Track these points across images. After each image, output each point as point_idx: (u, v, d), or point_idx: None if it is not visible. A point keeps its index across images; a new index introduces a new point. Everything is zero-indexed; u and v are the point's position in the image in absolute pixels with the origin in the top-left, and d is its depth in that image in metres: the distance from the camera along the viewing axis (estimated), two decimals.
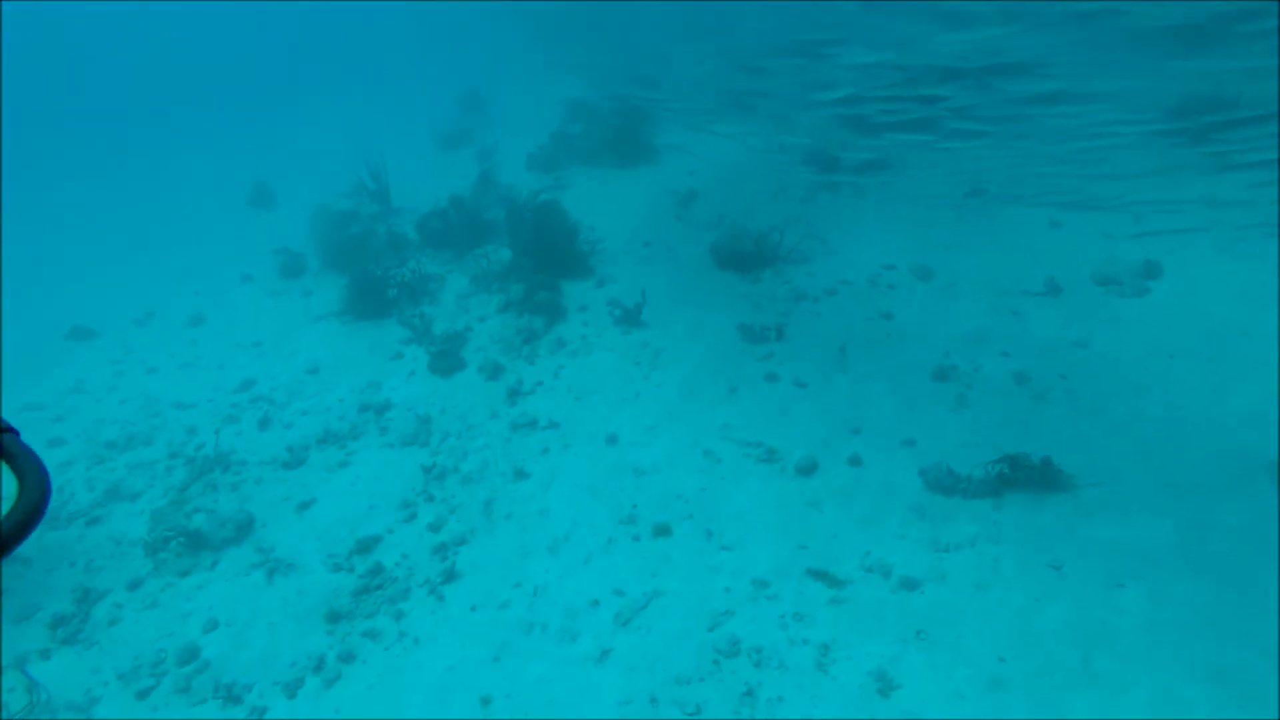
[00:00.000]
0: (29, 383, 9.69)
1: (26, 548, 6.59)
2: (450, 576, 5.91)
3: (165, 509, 7.12)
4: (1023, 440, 6.28)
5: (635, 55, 14.81)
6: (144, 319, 11.43)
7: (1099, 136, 8.83)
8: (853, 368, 7.45)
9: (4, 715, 5.18)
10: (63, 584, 6.31)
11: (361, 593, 5.92)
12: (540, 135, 15.37)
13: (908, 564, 5.42)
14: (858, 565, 5.48)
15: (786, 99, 14.13)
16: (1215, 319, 7.28)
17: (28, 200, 19.07)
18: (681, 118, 14.58)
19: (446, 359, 8.72)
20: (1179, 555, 5.24)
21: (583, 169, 14.07)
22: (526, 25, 22.15)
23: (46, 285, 13.34)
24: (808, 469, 6.34)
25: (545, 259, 10.13)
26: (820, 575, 5.43)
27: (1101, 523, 5.54)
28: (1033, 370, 7.03)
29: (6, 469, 1.08)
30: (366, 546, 6.26)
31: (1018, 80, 9.80)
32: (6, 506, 1.00)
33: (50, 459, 8.02)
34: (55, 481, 7.68)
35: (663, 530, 6.04)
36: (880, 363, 7.45)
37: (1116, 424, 6.36)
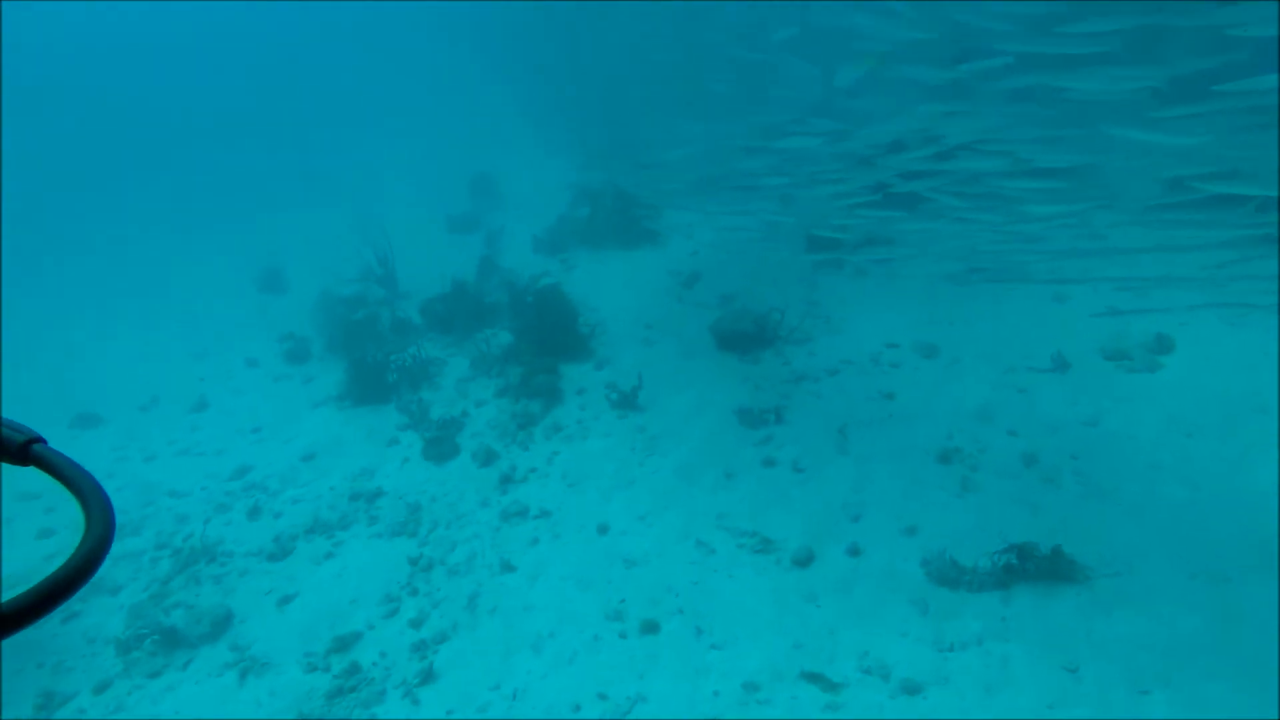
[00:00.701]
0: (26, 471, 9.64)
1: None
2: (428, 677, 5.61)
3: (145, 603, 6.92)
4: (1032, 526, 5.95)
5: (635, 138, 15.11)
6: (149, 404, 11.48)
7: (1084, 212, 8.70)
8: (853, 450, 7.19)
9: None
10: (28, 688, 6.08)
11: (335, 695, 5.62)
12: (548, 218, 15.64)
13: (909, 665, 5.04)
14: (855, 666, 5.11)
15: (786, 179, 14.28)
16: (1230, 394, 6.98)
17: (31, 274, 19.50)
18: (683, 200, 14.76)
19: (441, 445, 8.58)
20: (1208, 653, 4.83)
21: (587, 251, 14.21)
22: (528, 109, 22.87)
23: (51, 368, 13.50)
24: (804, 560, 6.03)
25: (545, 342, 10.08)
26: (815, 678, 5.06)
27: (1120, 618, 5.15)
28: (1041, 450, 6.73)
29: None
30: (345, 644, 5.98)
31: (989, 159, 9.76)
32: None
33: (37, 551, 7.90)
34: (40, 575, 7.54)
35: (651, 627, 5.72)
36: (882, 444, 7.18)
37: (1132, 507, 6.01)
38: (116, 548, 7.92)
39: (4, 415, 1.10)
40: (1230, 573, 5.30)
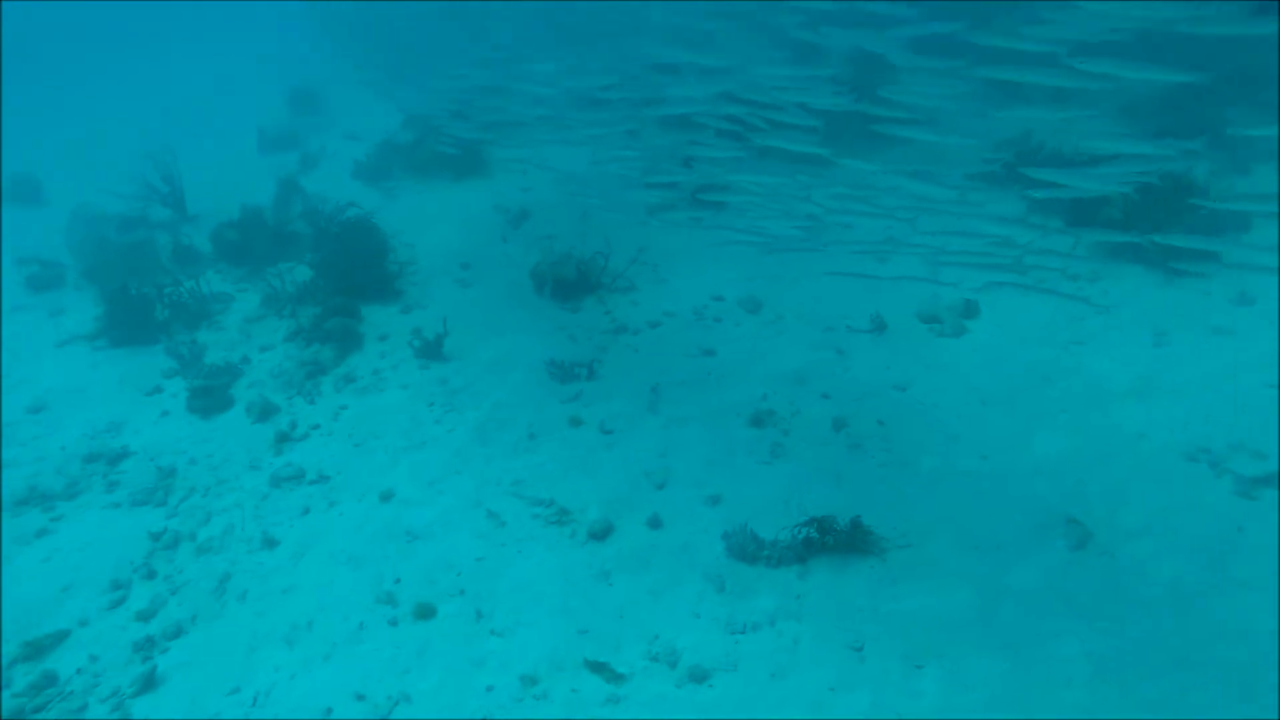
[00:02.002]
0: None
1: None
2: (148, 685, 4.73)
3: None
4: (836, 495, 5.79)
5: (475, 64, 13.84)
6: None
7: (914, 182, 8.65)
8: (665, 410, 6.79)
9: None
10: None
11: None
12: (375, 141, 14.16)
13: (699, 649, 4.73)
14: (643, 653, 4.74)
15: (633, 116, 13.57)
16: (1023, 362, 7.13)
17: None
18: (524, 133, 13.71)
19: (210, 396, 7.44)
20: (976, 627, 4.82)
21: (413, 181, 12.97)
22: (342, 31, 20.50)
23: None
24: (601, 533, 5.59)
25: (348, 280, 9.00)
26: (598, 668, 4.65)
27: (907, 592, 5.07)
28: (851, 415, 6.60)
29: None
30: (39, 649, 4.95)
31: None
32: None
33: None
34: None
35: (426, 611, 5.10)
36: (696, 405, 6.83)
37: (930, 476, 5.98)
38: None
39: None
40: (1001, 544, 5.34)
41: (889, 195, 9.29)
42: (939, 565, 5.20)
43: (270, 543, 5.78)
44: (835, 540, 5.30)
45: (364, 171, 13.26)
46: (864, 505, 5.57)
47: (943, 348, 7.43)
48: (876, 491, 5.83)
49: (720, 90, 9.37)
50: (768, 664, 4.65)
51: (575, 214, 10.64)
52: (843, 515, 5.35)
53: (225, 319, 9.07)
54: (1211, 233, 8.61)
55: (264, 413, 7.19)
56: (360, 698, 4.61)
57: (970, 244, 8.43)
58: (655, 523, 5.66)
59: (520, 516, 5.80)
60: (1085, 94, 7.65)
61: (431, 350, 7.80)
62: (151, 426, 7.20)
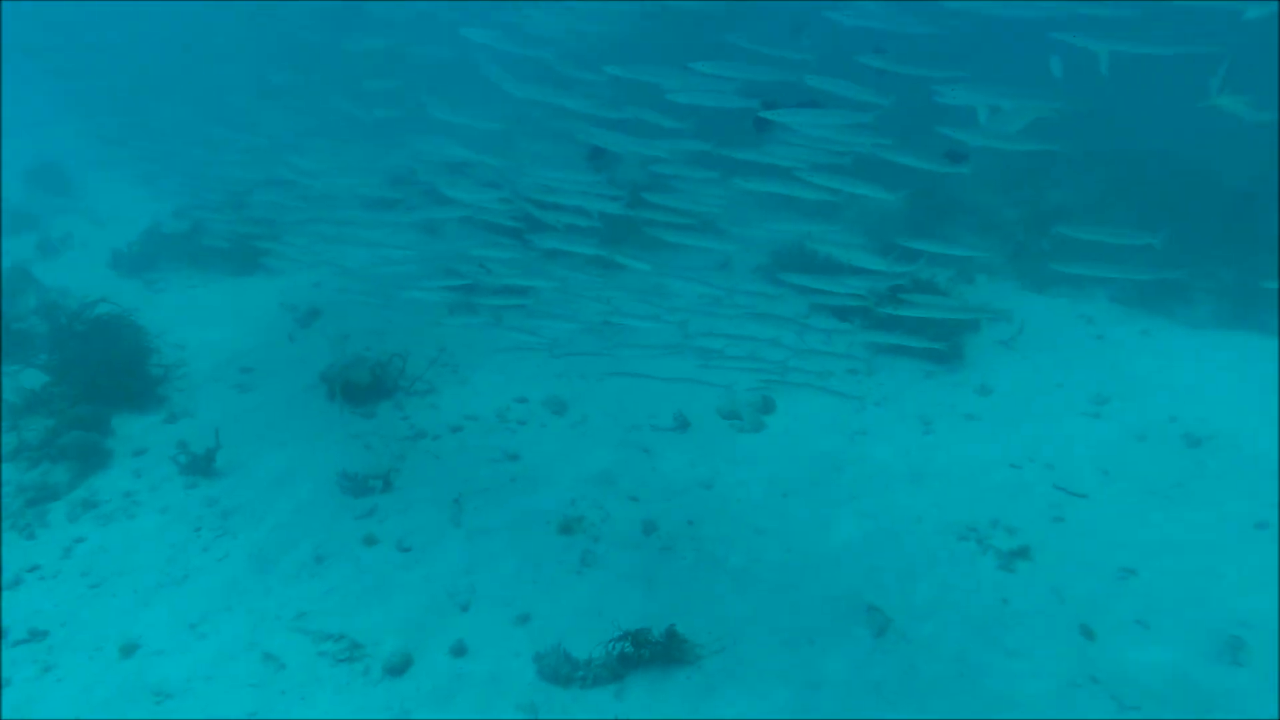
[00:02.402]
0: None
1: None
2: None
3: None
4: (649, 602, 5.66)
5: (245, 151, 13.02)
6: None
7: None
8: (469, 521, 6.39)
9: None
10: None
11: None
12: (139, 228, 12.76)
13: None
14: None
15: (423, 213, 13.36)
16: (816, 453, 7.57)
17: None
18: (310, 224, 13.01)
19: None
20: None
21: (185, 274, 11.80)
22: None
23: None
24: (399, 667, 5.03)
25: (96, 386, 7.82)
26: None
27: (726, 700, 4.98)
28: (661, 516, 6.58)
29: None
30: None
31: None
32: None
33: None
34: None
35: None
36: (502, 514, 6.50)
37: (739, 574, 6.04)
38: None
39: None
40: (812, 637, 5.46)
41: (675, 297, 9.67)
42: (755, 666, 5.18)
43: None
44: (651, 653, 5.13)
45: (125, 262, 11.87)
46: (678, 610, 5.49)
47: (744, 443, 7.71)
48: (689, 594, 5.78)
49: (507, 191, 9.43)
50: None
51: (369, 312, 10.10)
52: (657, 624, 5.22)
53: None
54: (954, 334, 9.84)
55: None
56: None
57: (745, 347, 8.87)
58: (460, 650, 5.19)
59: (304, 656, 5.09)
60: (838, 209, 8.52)
61: (200, 466, 6.87)
62: None
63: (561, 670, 4.97)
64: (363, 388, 8.07)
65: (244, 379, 8.57)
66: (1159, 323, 10.69)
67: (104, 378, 7.81)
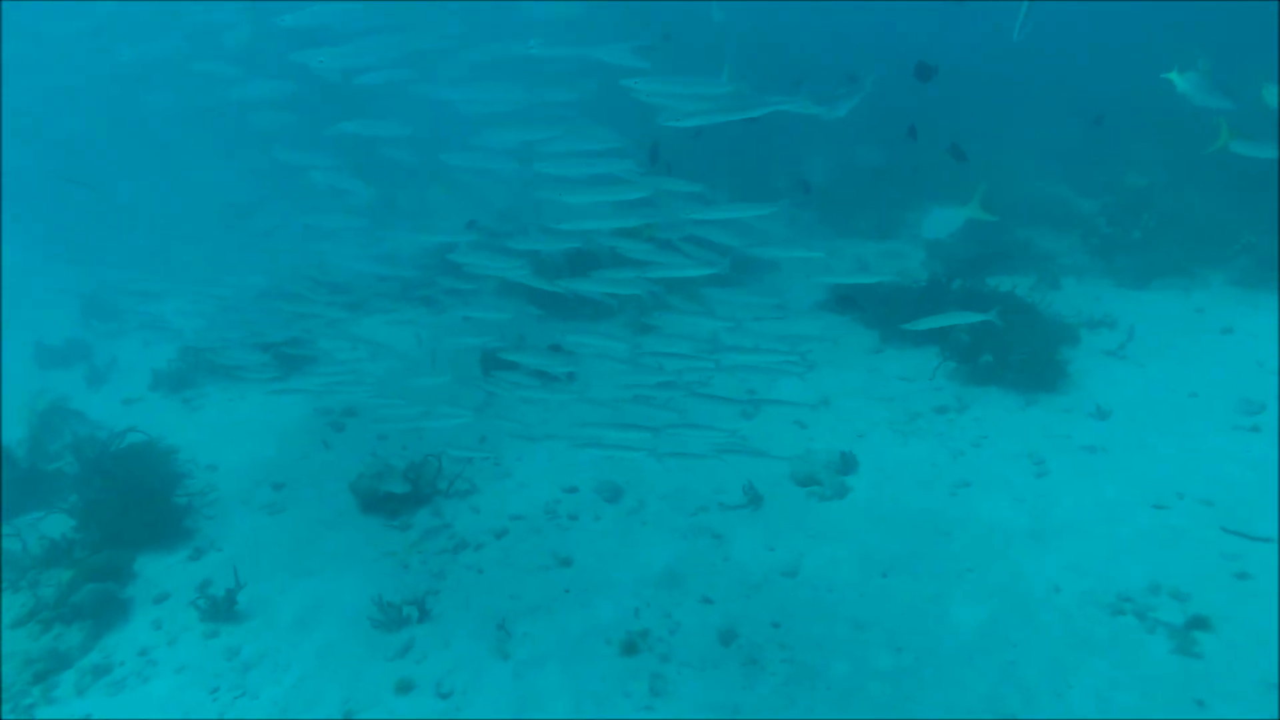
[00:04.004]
0: None
1: None
2: None
3: None
4: None
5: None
6: None
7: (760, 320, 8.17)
8: (517, 651, 5.48)
9: None
10: None
11: None
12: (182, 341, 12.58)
13: None
14: None
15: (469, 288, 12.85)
16: (914, 516, 6.45)
17: None
18: (350, 311, 12.62)
19: None
20: None
21: (222, 385, 11.43)
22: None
23: None
24: None
25: (120, 525, 7.30)
26: None
27: None
28: (740, 620, 5.54)
29: None
30: None
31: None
32: None
33: None
34: None
35: None
36: (554, 637, 5.57)
37: (844, 688, 4.94)
38: None
39: None
40: None
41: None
42: None
43: None
44: None
45: (164, 381, 11.60)
46: None
47: (827, 513, 6.64)
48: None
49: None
50: None
51: (410, 403, 9.45)
52: None
53: None
54: (1050, 348, 8.58)
55: None
56: None
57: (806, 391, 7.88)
58: None
59: None
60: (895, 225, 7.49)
61: (221, 610, 6.19)
62: None
63: None
64: (397, 496, 7.34)
65: (275, 497, 7.96)
66: None
67: (127, 517, 7.28)
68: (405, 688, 5.27)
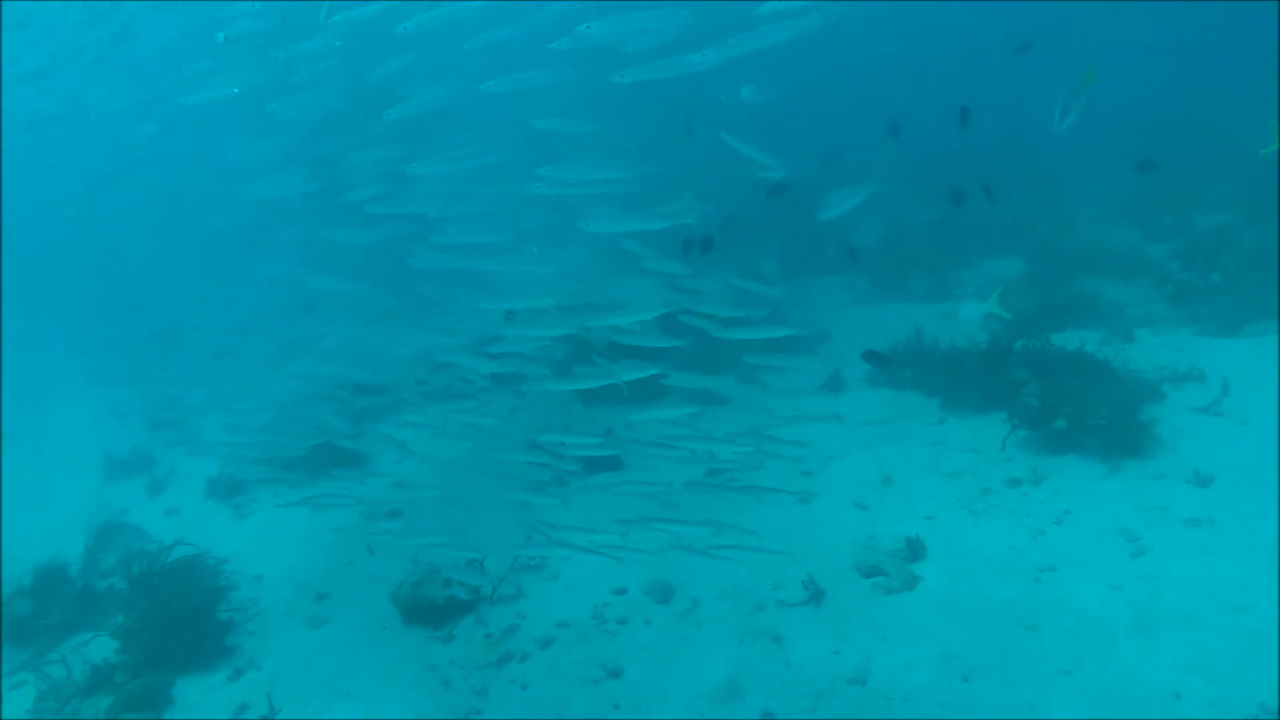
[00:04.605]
0: None
1: None
2: None
3: None
4: None
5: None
6: None
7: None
8: None
9: None
10: None
11: None
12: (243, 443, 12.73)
13: None
14: None
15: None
16: (996, 608, 5.80)
17: None
18: (399, 412, 12.64)
19: None
20: None
21: (275, 488, 11.43)
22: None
23: None
24: None
25: (162, 646, 7.15)
26: None
27: None
28: None
29: None
30: None
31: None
32: None
33: None
34: None
35: None
36: None
37: None
38: None
39: None
40: None
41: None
42: None
43: None
44: None
45: (218, 489, 11.70)
46: None
47: (897, 608, 6.05)
48: None
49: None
50: None
51: (454, 501, 9.24)
52: None
53: None
54: (1132, 408, 7.89)
55: None
56: None
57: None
58: None
59: None
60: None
61: None
62: None
63: None
64: (439, 605, 7.02)
65: (318, 609, 7.72)
66: None
67: (169, 639, 7.12)
68: None
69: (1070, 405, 7.85)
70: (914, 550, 6.51)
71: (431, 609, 7.01)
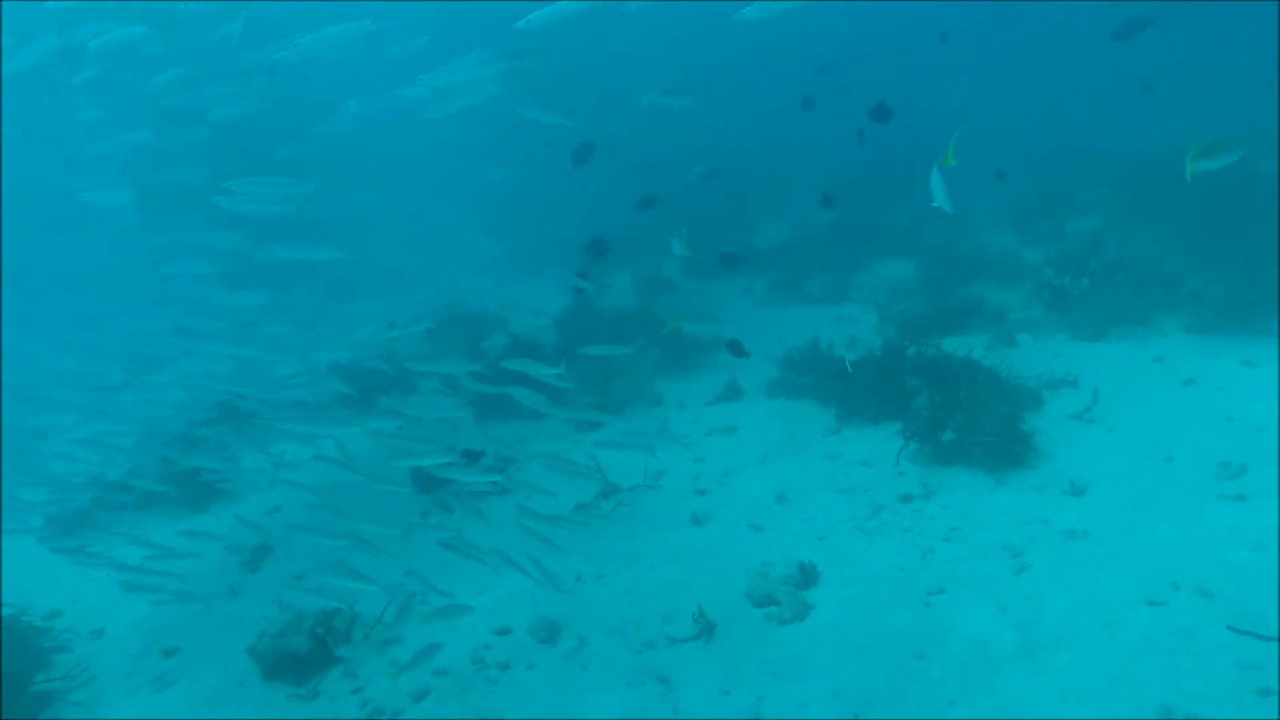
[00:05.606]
0: None
1: None
2: None
3: None
4: None
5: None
6: None
7: None
8: None
9: None
10: None
11: None
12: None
13: None
14: None
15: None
16: (888, 636, 5.68)
17: None
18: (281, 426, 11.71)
19: None
20: None
21: (128, 524, 10.40)
22: None
23: None
24: None
25: None
26: None
27: None
28: None
29: None
30: None
31: None
32: None
33: None
34: None
35: None
36: None
37: None
38: None
39: None
40: None
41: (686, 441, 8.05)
42: None
43: None
44: None
45: (58, 529, 10.50)
46: None
47: (789, 640, 5.84)
48: None
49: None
50: None
51: (330, 534, 8.52)
52: None
53: None
54: (1015, 418, 8.01)
55: None
56: None
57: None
58: None
59: None
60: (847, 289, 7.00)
61: None
62: None
63: None
64: (303, 658, 6.39)
65: (165, 667, 6.94)
66: (1261, 348, 8.82)
67: None
68: None
69: (959, 416, 7.90)
70: (806, 576, 6.33)
71: (295, 662, 6.38)
